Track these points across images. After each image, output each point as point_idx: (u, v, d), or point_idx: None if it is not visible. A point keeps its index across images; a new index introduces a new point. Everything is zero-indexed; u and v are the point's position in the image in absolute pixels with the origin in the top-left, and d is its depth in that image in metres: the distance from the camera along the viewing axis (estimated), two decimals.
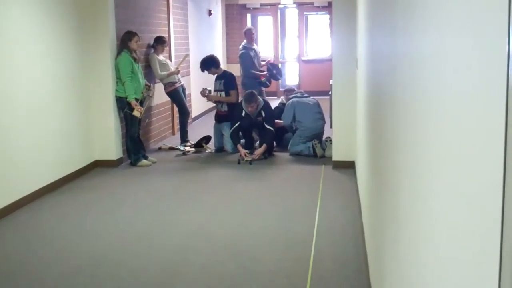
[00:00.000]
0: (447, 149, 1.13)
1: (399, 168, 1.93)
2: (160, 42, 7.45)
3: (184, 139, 7.65)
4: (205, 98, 7.53)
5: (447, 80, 1.14)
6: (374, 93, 3.26)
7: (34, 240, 4.22)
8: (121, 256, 3.87)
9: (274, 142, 7.29)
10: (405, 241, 1.76)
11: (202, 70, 7.51)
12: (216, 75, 7.46)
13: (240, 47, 8.64)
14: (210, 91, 7.45)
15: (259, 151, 6.75)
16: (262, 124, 6.90)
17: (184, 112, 7.75)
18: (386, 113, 2.43)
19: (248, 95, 6.86)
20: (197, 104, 10.03)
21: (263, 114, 6.89)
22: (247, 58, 8.39)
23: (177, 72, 7.59)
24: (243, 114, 6.89)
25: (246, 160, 6.51)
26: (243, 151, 6.74)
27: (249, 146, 7.11)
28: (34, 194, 5.22)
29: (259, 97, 6.93)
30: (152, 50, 7.49)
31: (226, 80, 7.36)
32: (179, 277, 3.50)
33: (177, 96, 7.71)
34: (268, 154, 6.88)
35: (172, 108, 8.51)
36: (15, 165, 4.94)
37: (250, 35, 8.56)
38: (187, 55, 8.67)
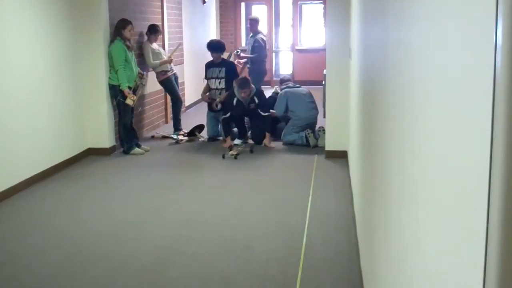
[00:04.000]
0: (435, 139, 1.14)
1: (390, 157, 1.94)
2: (153, 31, 7.42)
3: (177, 127, 7.64)
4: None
5: (436, 69, 1.15)
6: (366, 83, 3.27)
7: (26, 228, 4.22)
8: (113, 244, 3.88)
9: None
10: (396, 230, 1.78)
11: (210, 50, 7.49)
12: (210, 62, 7.50)
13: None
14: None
15: (266, 141, 6.83)
16: (255, 111, 6.90)
17: (176, 101, 7.73)
18: (378, 104, 2.44)
19: (242, 80, 6.88)
20: (191, 93, 10.01)
21: (256, 101, 6.89)
22: None
23: (169, 61, 7.57)
24: (235, 102, 6.88)
25: (231, 155, 6.35)
26: (229, 142, 6.75)
27: (242, 135, 7.12)
28: (27, 181, 5.22)
29: (251, 84, 6.94)
30: (146, 38, 7.46)
31: (228, 69, 7.36)
32: (171, 265, 3.52)
33: (169, 84, 7.69)
34: (258, 143, 6.98)
35: (165, 96, 8.49)
36: (8, 152, 4.93)
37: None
38: (180, 44, 8.65)
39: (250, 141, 7.15)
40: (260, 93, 6.98)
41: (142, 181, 5.47)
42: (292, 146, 6.83)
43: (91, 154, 6.52)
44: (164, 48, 8.27)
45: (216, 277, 3.34)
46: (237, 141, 7.06)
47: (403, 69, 1.66)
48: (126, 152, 6.56)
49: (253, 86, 6.92)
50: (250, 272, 3.39)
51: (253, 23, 9.03)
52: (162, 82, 7.69)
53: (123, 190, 5.17)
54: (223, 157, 6.28)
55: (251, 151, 6.52)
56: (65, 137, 6.04)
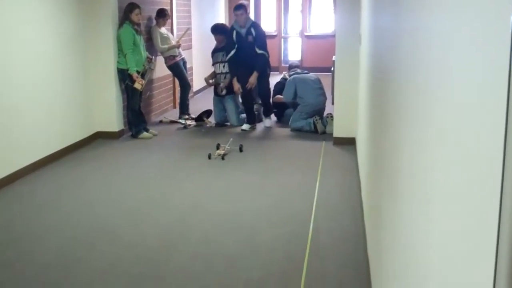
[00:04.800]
0: (447, 127, 1.13)
1: (400, 146, 1.93)
2: (162, 15, 7.40)
3: (183, 112, 7.65)
4: None
5: (450, 57, 1.13)
6: (376, 69, 3.24)
7: (33, 211, 4.25)
8: (119, 229, 3.90)
9: (276, 116, 7.41)
10: (404, 219, 1.78)
11: (213, 33, 7.49)
12: (215, 48, 7.51)
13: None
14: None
15: (251, 79, 6.92)
16: (253, 47, 6.91)
17: (184, 86, 7.74)
18: (388, 91, 2.42)
19: (238, 4, 7.01)
20: (199, 78, 9.99)
21: (253, 33, 6.94)
22: None
23: (178, 46, 7.56)
24: (235, 36, 6.99)
25: (218, 154, 5.73)
26: (237, 85, 7.00)
27: (251, 121, 7.10)
28: (35, 164, 5.24)
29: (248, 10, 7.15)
30: (154, 23, 7.44)
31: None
32: (177, 251, 3.53)
33: (177, 69, 7.69)
34: (266, 115, 7.23)
35: (174, 81, 8.49)
36: (16, 136, 4.95)
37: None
38: (188, 29, 8.62)
39: (258, 126, 7.15)
40: (257, 25, 7.09)
41: (150, 165, 5.49)
42: (300, 133, 6.82)
43: (99, 137, 6.54)
44: (172, 33, 8.25)
45: (222, 262, 3.35)
46: (245, 126, 7.06)
47: (415, 56, 1.64)
48: (134, 136, 6.59)
49: (250, 17, 7.12)
50: (256, 258, 3.40)
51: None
52: (170, 67, 7.69)
53: (130, 174, 5.18)
54: (209, 157, 5.69)
55: (241, 150, 5.97)
56: (74, 120, 6.06)
